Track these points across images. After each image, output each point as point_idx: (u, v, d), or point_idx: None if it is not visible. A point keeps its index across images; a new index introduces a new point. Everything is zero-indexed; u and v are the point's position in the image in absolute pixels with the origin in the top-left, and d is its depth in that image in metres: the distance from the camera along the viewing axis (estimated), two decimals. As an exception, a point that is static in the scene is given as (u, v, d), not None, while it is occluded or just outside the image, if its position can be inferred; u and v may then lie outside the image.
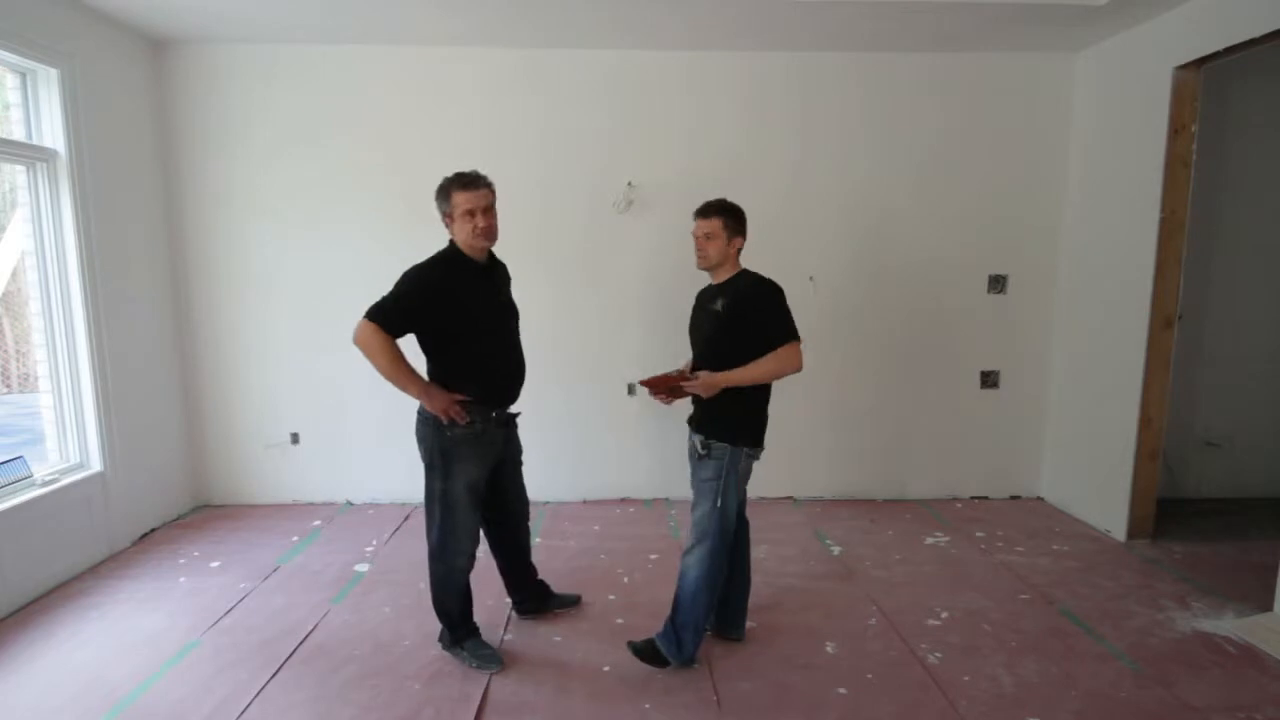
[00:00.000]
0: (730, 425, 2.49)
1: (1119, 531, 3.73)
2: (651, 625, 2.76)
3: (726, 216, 2.51)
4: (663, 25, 3.63)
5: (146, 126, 3.87)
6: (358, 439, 4.22)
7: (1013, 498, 4.40)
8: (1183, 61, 3.34)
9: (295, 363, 4.16)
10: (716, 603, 2.60)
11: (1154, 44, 3.51)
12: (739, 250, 2.56)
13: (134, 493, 3.69)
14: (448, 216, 2.45)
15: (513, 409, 2.64)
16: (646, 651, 2.56)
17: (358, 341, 2.36)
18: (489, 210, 2.43)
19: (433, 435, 2.48)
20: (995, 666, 2.60)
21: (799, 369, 2.47)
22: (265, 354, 4.16)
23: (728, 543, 2.52)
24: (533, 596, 2.95)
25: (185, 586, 3.23)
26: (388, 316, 2.34)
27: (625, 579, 3.29)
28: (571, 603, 3.02)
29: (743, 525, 2.63)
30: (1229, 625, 2.87)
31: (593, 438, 4.24)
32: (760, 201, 4.11)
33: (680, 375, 2.56)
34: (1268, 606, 2.91)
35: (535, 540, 3.70)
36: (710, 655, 2.67)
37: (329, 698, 2.43)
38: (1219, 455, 4.28)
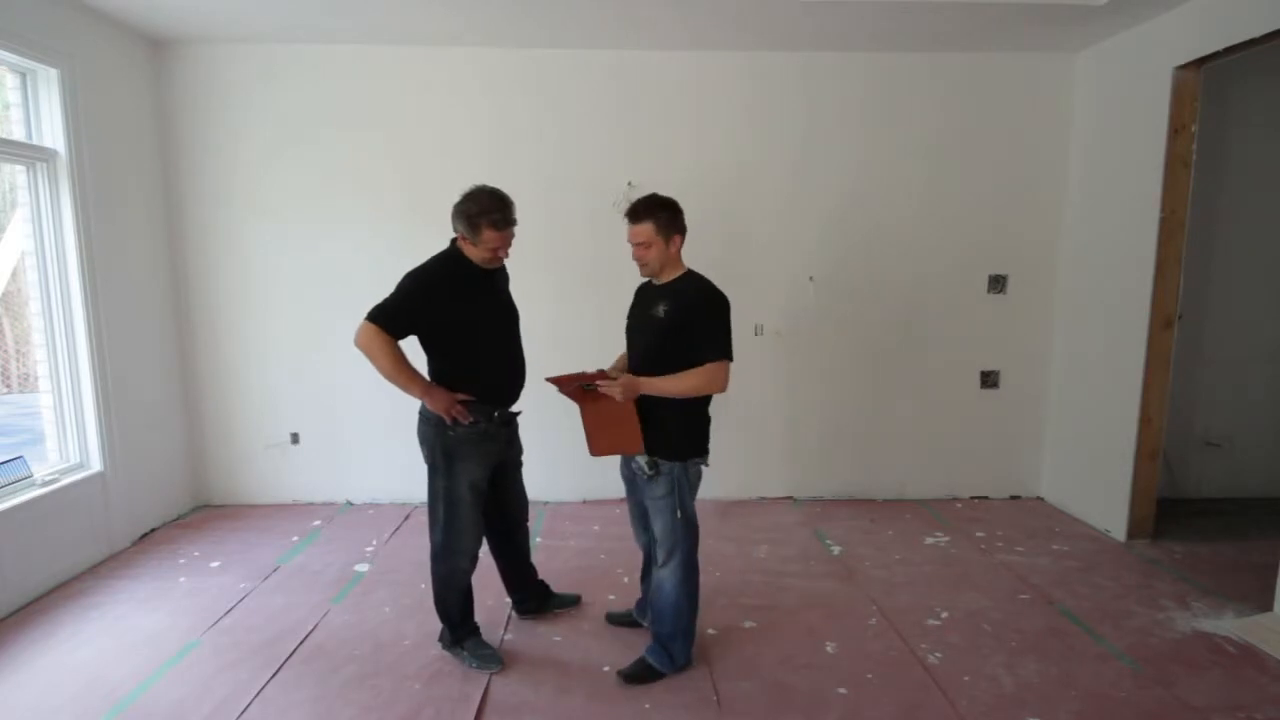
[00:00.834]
0: (676, 443, 2.40)
1: (1119, 531, 3.73)
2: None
3: (657, 218, 2.33)
4: (664, 25, 3.63)
5: (146, 126, 3.87)
6: (358, 439, 4.22)
7: (1013, 498, 4.40)
8: (1183, 61, 3.34)
9: (295, 363, 4.16)
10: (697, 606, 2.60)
11: (1154, 44, 3.51)
12: (679, 249, 2.41)
13: (134, 493, 3.69)
14: (466, 240, 2.41)
15: (514, 409, 2.65)
16: (638, 674, 2.51)
17: (359, 343, 2.37)
18: (510, 241, 2.46)
19: (435, 435, 2.48)
20: (995, 666, 2.60)
21: (724, 389, 2.35)
22: (265, 354, 4.16)
23: (697, 545, 2.50)
24: (533, 596, 2.96)
25: (185, 586, 3.23)
26: (389, 318, 2.35)
27: (625, 579, 3.28)
28: (571, 603, 3.02)
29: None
30: (1229, 625, 2.87)
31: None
32: (761, 201, 4.14)
33: (599, 374, 2.38)
34: (1268, 606, 2.91)
35: (535, 540, 3.70)
36: (710, 655, 2.67)
37: (329, 698, 2.43)
38: (1219, 455, 4.28)
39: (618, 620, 2.88)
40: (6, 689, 2.48)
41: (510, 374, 2.60)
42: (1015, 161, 4.14)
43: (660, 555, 2.49)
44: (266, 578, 3.30)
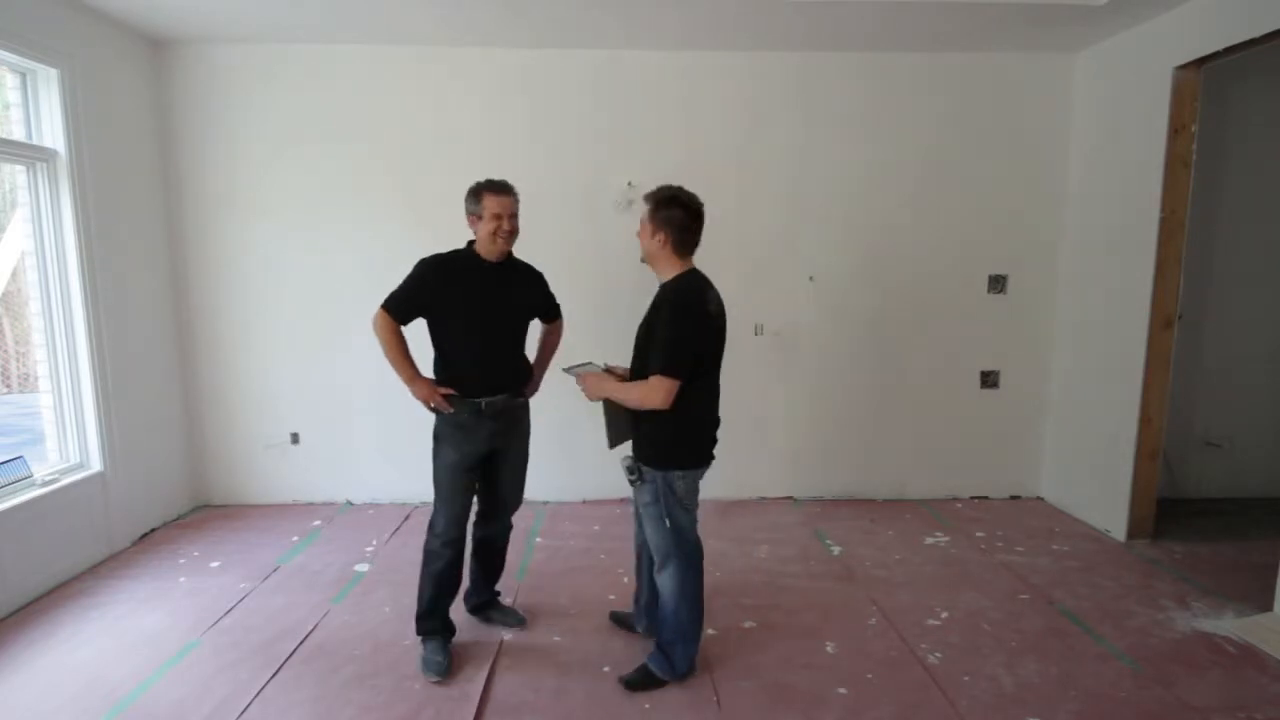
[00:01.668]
0: (656, 449, 2.34)
1: (1119, 531, 3.73)
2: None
3: (646, 206, 2.29)
4: (662, 25, 3.64)
5: (146, 126, 3.87)
6: (358, 439, 4.22)
7: (1013, 498, 4.40)
8: (1183, 61, 3.34)
9: (295, 363, 4.15)
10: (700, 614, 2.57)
11: (1154, 44, 3.51)
12: (666, 245, 2.28)
13: (134, 493, 3.69)
14: (475, 216, 2.54)
15: (506, 399, 2.63)
16: (640, 681, 2.48)
17: (373, 326, 2.54)
18: (514, 216, 2.55)
19: (435, 419, 2.63)
20: (995, 666, 2.60)
21: (662, 406, 2.21)
22: (265, 354, 4.16)
23: (694, 555, 2.44)
24: (478, 592, 2.91)
25: (185, 586, 3.23)
26: (394, 303, 2.54)
27: (625, 579, 3.28)
28: (514, 622, 2.89)
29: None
30: (1229, 625, 2.87)
31: (592, 437, 4.22)
32: (760, 201, 4.14)
33: (607, 371, 2.49)
34: (1268, 606, 2.91)
35: (535, 540, 3.70)
36: (710, 655, 2.67)
37: (329, 698, 2.43)
38: (1219, 455, 4.28)
39: (620, 621, 2.87)
40: (6, 689, 2.48)
41: (489, 368, 2.59)
42: (1015, 161, 4.14)
43: (656, 561, 2.47)
44: (266, 578, 3.30)
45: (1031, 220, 4.19)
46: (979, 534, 3.84)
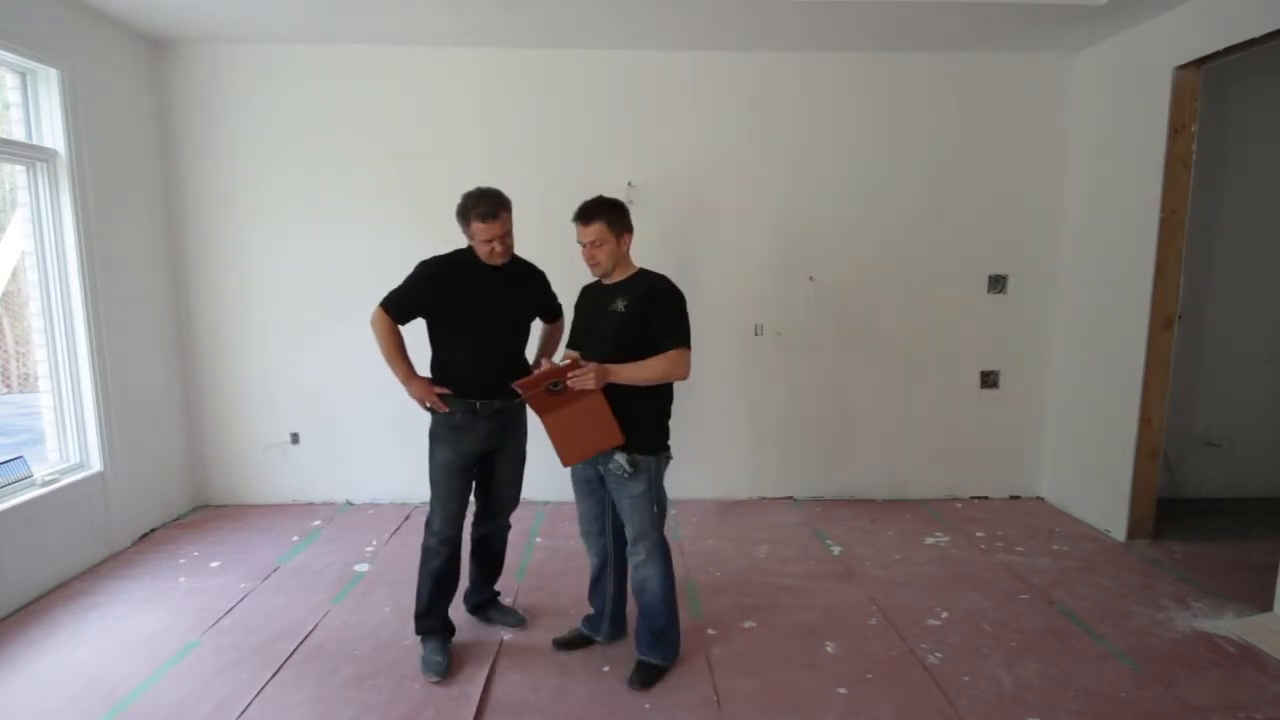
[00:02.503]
0: (651, 436, 2.45)
1: (1119, 531, 3.73)
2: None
3: (608, 217, 2.40)
4: (664, 26, 3.64)
5: (146, 126, 3.87)
6: (358, 439, 4.22)
7: (1013, 498, 4.40)
8: (1183, 61, 3.34)
9: (295, 363, 4.15)
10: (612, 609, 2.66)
11: (1154, 44, 3.51)
12: (629, 247, 2.48)
13: (134, 493, 3.69)
14: (468, 235, 2.52)
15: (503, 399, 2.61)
16: (647, 678, 2.50)
17: (371, 324, 2.55)
18: (506, 235, 2.50)
19: (431, 419, 2.63)
20: (995, 666, 2.60)
21: (686, 376, 2.39)
22: (265, 354, 4.16)
23: (662, 533, 2.52)
24: (476, 592, 2.92)
25: (185, 586, 3.23)
26: (394, 303, 2.54)
27: (625, 579, 3.28)
28: (515, 622, 2.89)
29: (621, 541, 2.58)
30: (1229, 625, 2.87)
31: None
32: (761, 201, 4.14)
33: (573, 364, 2.32)
34: (1268, 606, 2.91)
35: (535, 540, 3.70)
36: (710, 655, 2.67)
37: (329, 698, 2.43)
38: (1219, 455, 4.27)
39: (565, 644, 2.72)
40: (6, 689, 2.48)
41: (486, 368, 2.58)
42: (1015, 161, 4.14)
43: (640, 552, 2.47)
44: (266, 578, 3.30)
45: (1031, 220, 4.19)
46: (979, 534, 3.84)
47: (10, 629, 2.86)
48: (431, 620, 2.64)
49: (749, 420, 4.28)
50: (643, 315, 2.39)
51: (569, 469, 2.55)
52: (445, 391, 2.55)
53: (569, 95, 4.02)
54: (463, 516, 2.64)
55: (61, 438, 3.45)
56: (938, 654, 2.69)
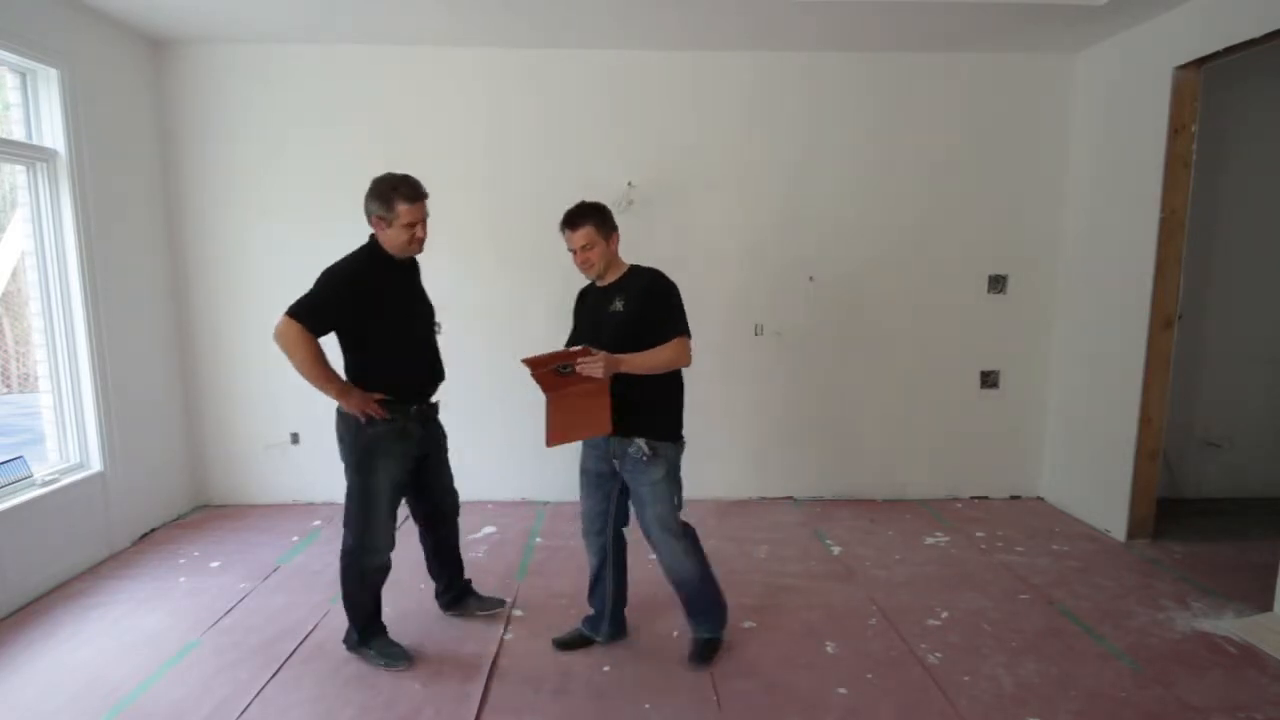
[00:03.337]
0: (668, 422, 2.49)
1: (1119, 531, 3.73)
2: (651, 623, 2.77)
3: (595, 220, 2.43)
4: (663, 25, 3.63)
5: (146, 127, 3.87)
6: (358, 439, 4.22)
7: (1013, 498, 4.40)
8: (1183, 61, 3.33)
9: (295, 363, 4.15)
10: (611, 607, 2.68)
11: (1154, 44, 3.51)
12: (618, 246, 2.52)
13: (134, 493, 3.69)
14: (382, 221, 2.41)
15: (435, 399, 2.64)
16: (704, 654, 2.60)
17: (277, 337, 2.34)
18: (425, 221, 2.46)
19: (353, 434, 2.47)
20: (995, 666, 2.60)
21: (689, 363, 2.46)
22: (265, 354, 4.11)
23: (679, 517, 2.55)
24: (450, 589, 2.92)
25: (185, 586, 3.23)
26: (311, 314, 2.33)
27: (625, 579, 3.28)
28: (495, 605, 2.93)
29: (620, 542, 2.66)
30: (1229, 625, 2.87)
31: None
32: (760, 201, 4.14)
33: (584, 350, 2.31)
34: (1268, 606, 2.91)
35: (535, 540, 3.70)
36: (710, 655, 2.68)
37: (329, 698, 2.43)
38: (1219, 455, 4.28)
39: (565, 644, 2.72)
40: (6, 689, 2.48)
41: (427, 369, 2.59)
42: (1015, 161, 4.14)
43: (668, 541, 2.50)
44: (266, 578, 3.30)
45: (1031, 220, 4.19)
46: (979, 534, 3.83)
47: (10, 629, 2.86)
48: (376, 623, 2.64)
49: (749, 420, 4.28)
50: (641, 311, 2.43)
51: (580, 466, 2.63)
52: (382, 397, 2.44)
53: (569, 95, 4.02)
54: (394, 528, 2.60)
55: (61, 438, 3.45)
56: (938, 654, 2.69)
